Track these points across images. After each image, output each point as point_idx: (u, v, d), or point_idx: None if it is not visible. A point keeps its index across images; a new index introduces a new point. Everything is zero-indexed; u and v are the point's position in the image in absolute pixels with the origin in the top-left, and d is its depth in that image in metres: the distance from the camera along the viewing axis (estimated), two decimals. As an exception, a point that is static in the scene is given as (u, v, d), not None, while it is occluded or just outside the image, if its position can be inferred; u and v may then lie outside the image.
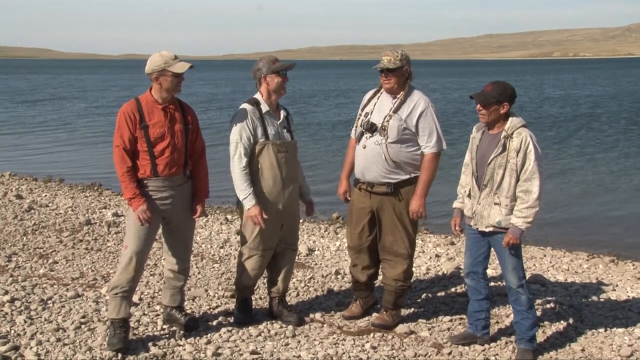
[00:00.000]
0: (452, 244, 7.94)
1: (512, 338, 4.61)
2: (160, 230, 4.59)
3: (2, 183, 11.75)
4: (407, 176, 4.70)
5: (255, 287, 5.22)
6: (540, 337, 4.71)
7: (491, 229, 4.30)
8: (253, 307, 5.13)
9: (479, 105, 4.27)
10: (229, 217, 9.04)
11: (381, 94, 4.78)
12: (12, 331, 4.61)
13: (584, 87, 47.99)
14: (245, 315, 4.98)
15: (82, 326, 4.72)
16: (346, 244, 5.38)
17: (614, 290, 6.11)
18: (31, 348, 4.31)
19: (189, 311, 5.00)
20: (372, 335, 4.82)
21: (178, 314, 4.70)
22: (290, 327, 4.86)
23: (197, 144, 4.58)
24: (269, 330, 4.80)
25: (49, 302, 5.23)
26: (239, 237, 5.77)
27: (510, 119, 4.24)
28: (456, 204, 4.60)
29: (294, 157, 4.83)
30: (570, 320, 5.12)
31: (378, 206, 4.77)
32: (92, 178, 12.87)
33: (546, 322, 5.05)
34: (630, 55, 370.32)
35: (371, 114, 4.72)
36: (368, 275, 5.02)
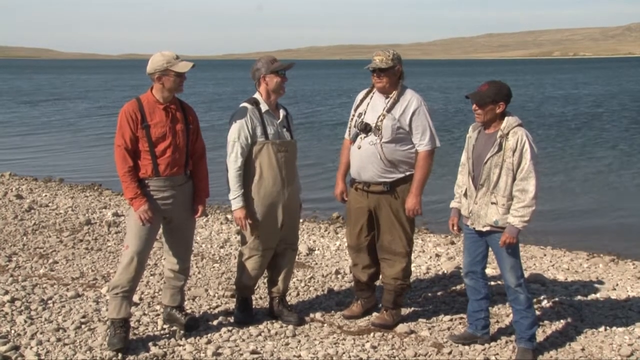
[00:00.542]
0: (452, 243, 7.94)
1: (512, 337, 4.61)
2: (160, 230, 4.60)
3: (2, 183, 11.75)
4: (403, 175, 4.72)
5: (256, 287, 5.22)
6: (540, 336, 4.71)
7: (488, 228, 4.30)
8: (253, 306, 5.13)
9: (474, 105, 4.28)
10: (229, 216, 9.04)
11: (374, 93, 4.80)
12: (13, 331, 4.61)
13: (585, 86, 47.97)
14: (245, 315, 4.98)
15: (83, 326, 4.73)
16: (346, 244, 5.39)
17: (614, 289, 6.11)
18: (31, 348, 4.32)
19: (189, 311, 5.00)
20: (372, 334, 4.82)
21: (178, 313, 4.70)
22: (291, 326, 4.86)
23: (198, 144, 4.59)
24: (269, 330, 4.81)
25: (49, 302, 5.23)
26: (239, 237, 5.77)
27: (506, 118, 4.25)
28: (453, 204, 4.61)
29: (294, 156, 4.83)
30: (570, 320, 5.12)
31: (375, 205, 4.78)
32: (93, 178, 12.86)
33: (546, 322, 5.05)
34: (630, 54, 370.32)
35: (364, 114, 4.74)
36: (369, 275, 5.02)
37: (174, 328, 4.70)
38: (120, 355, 4.26)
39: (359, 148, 4.73)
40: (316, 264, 6.85)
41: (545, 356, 4.49)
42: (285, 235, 4.87)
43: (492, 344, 4.64)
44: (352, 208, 4.94)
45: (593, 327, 5.00)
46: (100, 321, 4.81)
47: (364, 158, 4.70)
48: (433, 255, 7.31)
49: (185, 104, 4.57)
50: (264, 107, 4.69)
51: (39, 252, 6.93)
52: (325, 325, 4.99)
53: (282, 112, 4.80)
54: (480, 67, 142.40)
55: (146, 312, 5.07)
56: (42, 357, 4.22)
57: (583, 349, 4.60)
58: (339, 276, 6.29)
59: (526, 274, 5.90)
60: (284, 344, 4.58)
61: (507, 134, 4.19)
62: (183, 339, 4.57)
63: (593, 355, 4.54)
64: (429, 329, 4.94)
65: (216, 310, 5.22)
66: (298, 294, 5.73)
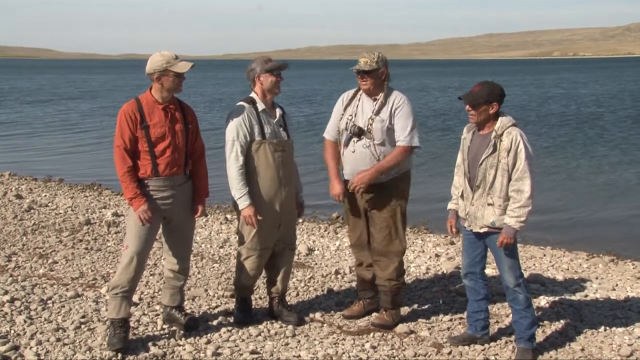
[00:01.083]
0: (452, 243, 7.93)
1: (512, 337, 4.61)
2: (160, 230, 4.60)
3: (2, 183, 11.75)
4: (396, 175, 4.75)
5: (255, 287, 5.22)
6: (540, 336, 4.71)
7: (485, 229, 4.30)
8: (253, 306, 5.13)
9: (468, 106, 4.28)
10: (228, 216, 9.04)
11: (361, 95, 4.82)
12: (12, 331, 4.61)
13: (586, 86, 47.96)
14: (245, 315, 4.98)
15: (82, 326, 4.73)
16: (346, 244, 5.39)
17: (614, 289, 6.11)
18: (31, 348, 4.32)
19: (188, 311, 5.00)
20: (372, 334, 4.82)
21: (178, 313, 4.70)
22: (290, 326, 4.86)
23: (197, 143, 4.59)
24: (268, 330, 4.80)
25: (48, 302, 5.23)
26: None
27: (500, 118, 4.25)
28: (451, 205, 4.61)
29: (291, 156, 4.83)
30: (570, 320, 5.12)
31: (368, 205, 4.81)
32: (94, 178, 12.85)
33: (546, 322, 5.05)
34: (630, 54, 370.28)
35: (355, 116, 4.75)
36: (373, 273, 5.03)
37: (174, 328, 4.70)
38: (119, 355, 4.26)
39: (354, 152, 4.77)
40: (316, 264, 6.85)
41: (545, 356, 4.49)
42: (283, 235, 4.87)
43: (492, 344, 4.64)
44: (349, 208, 4.96)
45: (593, 328, 5.00)
46: (99, 321, 4.81)
47: (359, 160, 4.74)
48: (433, 255, 7.30)
49: (184, 104, 4.57)
50: (260, 106, 4.70)
51: (39, 252, 6.93)
52: (325, 325, 4.99)
53: (278, 111, 4.81)
54: (481, 67, 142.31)
55: (146, 312, 5.07)
56: (42, 357, 4.22)
57: (583, 349, 4.60)
58: (339, 276, 6.29)
59: (526, 274, 5.90)
60: (284, 344, 4.58)
61: (501, 134, 4.19)
62: (183, 339, 4.57)
63: (593, 355, 4.54)
64: (429, 329, 4.94)
65: (216, 310, 5.22)
66: (298, 294, 5.73)
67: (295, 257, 5.86)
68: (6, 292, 5.34)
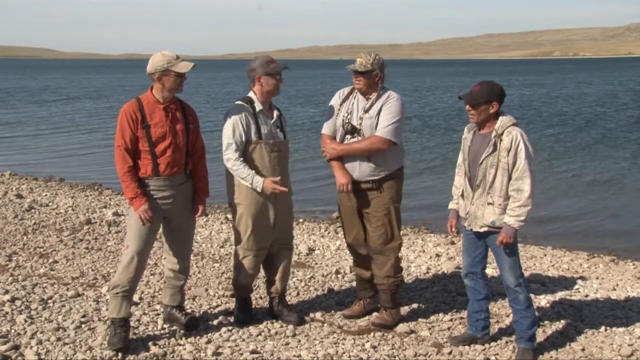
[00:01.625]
0: (453, 243, 7.93)
1: (513, 337, 4.61)
2: (160, 230, 4.60)
3: (3, 182, 11.75)
4: (390, 172, 4.77)
5: (255, 287, 5.22)
6: (540, 336, 4.71)
7: (485, 229, 4.30)
8: (253, 306, 5.13)
9: (468, 106, 4.28)
10: (229, 216, 9.03)
11: (357, 93, 4.83)
12: (13, 330, 4.61)
13: (586, 86, 47.94)
14: (245, 314, 4.98)
15: (83, 325, 4.73)
16: (346, 243, 5.39)
17: (614, 289, 6.11)
18: (31, 347, 4.32)
19: (189, 310, 5.00)
20: (372, 334, 4.82)
21: (178, 313, 4.70)
22: (291, 326, 4.86)
23: (198, 143, 4.59)
24: (269, 330, 4.81)
25: (49, 301, 5.23)
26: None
27: (500, 118, 4.25)
28: (452, 205, 4.61)
29: (286, 156, 4.84)
30: (570, 320, 5.12)
31: (363, 203, 4.82)
32: (94, 178, 12.85)
33: (546, 322, 5.05)
34: (630, 54, 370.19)
35: (350, 114, 4.77)
36: (372, 272, 5.03)
37: (174, 328, 4.70)
38: (120, 354, 4.26)
39: None
40: (316, 263, 6.85)
41: (545, 356, 4.49)
42: (278, 235, 4.86)
43: (492, 344, 4.64)
44: (344, 206, 4.97)
45: (593, 327, 5.00)
46: (100, 321, 4.81)
47: (350, 157, 4.74)
48: (433, 255, 7.31)
49: (185, 104, 4.57)
50: (258, 106, 4.70)
51: (39, 251, 6.93)
52: (325, 325, 5.00)
53: (275, 112, 4.81)
54: (481, 67, 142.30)
55: (146, 311, 5.07)
56: (42, 357, 4.22)
57: (583, 349, 4.60)
58: (339, 276, 6.29)
59: (526, 274, 5.90)
60: (284, 343, 4.58)
61: (502, 134, 4.19)
62: (183, 338, 4.57)
63: (593, 355, 4.54)
64: (429, 329, 4.94)
65: (216, 310, 5.22)
66: (298, 294, 5.73)
67: (296, 257, 5.87)
68: (7, 292, 5.34)
